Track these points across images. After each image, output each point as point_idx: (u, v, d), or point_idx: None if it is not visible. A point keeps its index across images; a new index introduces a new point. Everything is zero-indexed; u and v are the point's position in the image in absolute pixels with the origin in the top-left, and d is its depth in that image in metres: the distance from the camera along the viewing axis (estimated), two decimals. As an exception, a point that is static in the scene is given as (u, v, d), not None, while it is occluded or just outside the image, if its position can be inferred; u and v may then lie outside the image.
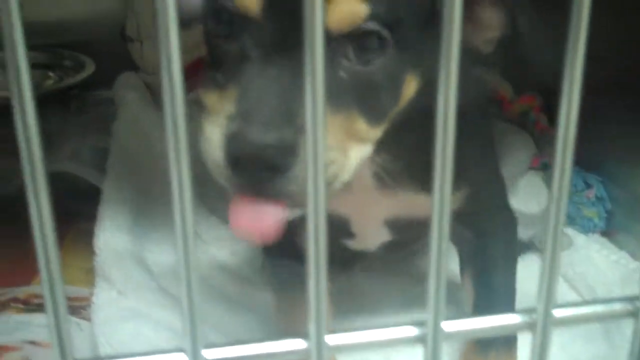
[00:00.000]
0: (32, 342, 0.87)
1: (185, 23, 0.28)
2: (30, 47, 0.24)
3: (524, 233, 0.93)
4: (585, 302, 0.41)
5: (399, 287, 0.96)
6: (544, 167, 1.14)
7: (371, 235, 0.79)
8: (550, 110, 1.20)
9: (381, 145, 0.60)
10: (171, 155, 0.27)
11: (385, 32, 0.54)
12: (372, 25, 0.53)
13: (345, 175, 0.55)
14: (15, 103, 0.25)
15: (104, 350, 0.81)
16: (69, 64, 1.46)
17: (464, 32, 0.59)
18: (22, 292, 0.98)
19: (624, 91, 1.03)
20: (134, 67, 1.46)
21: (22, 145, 0.25)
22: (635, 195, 1.04)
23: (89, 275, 0.96)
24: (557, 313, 0.37)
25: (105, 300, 0.89)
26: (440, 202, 0.31)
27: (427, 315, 0.34)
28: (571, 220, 1.07)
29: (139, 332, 0.82)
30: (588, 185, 1.08)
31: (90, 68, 1.40)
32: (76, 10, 1.47)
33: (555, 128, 0.33)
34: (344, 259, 0.90)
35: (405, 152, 0.67)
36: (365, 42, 0.54)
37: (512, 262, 0.79)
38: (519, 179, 1.11)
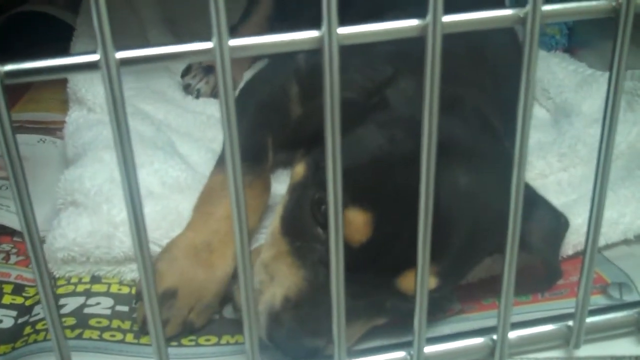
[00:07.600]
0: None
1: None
2: None
3: None
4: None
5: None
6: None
7: None
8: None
9: None
10: None
11: None
12: None
13: None
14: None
15: (70, 151, 0.86)
16: None
17: None
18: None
19: None
20: None
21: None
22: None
23: (64, 105, 1.01)
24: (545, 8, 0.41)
25: (76, 117, 0.94)
26: None
27: None
28: (533, 38, 1.08)
29: (99, 134, 0.86)
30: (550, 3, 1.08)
31: None
32: None
33: None
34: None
35: None
36: None
37: None
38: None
